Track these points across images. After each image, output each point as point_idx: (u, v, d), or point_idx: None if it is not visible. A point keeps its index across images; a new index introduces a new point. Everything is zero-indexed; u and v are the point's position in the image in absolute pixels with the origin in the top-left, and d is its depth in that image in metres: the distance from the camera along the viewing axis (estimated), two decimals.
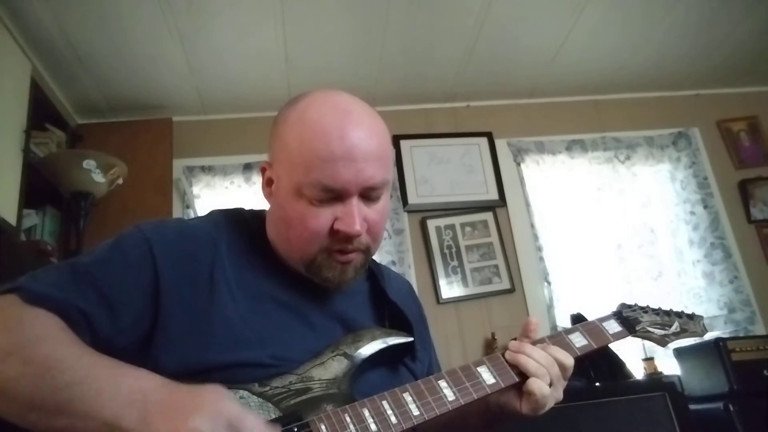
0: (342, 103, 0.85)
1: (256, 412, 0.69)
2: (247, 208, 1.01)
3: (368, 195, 0.84)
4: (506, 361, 0.88)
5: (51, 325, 0.72)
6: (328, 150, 0.80)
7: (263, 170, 0.91)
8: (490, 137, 3.21)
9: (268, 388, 0.78)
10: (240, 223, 0.94)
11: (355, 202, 0.83)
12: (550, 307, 2.83)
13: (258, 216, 0.98)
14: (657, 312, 1.06)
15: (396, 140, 2.98)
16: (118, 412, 0.65)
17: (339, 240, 0.84)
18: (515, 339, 0.92)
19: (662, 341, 1.03)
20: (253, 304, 0.84)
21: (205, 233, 0.89)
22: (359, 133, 0.82)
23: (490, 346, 2.75)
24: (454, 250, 2.96)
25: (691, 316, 1.09)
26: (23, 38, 2.32)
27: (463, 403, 0.82)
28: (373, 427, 0.75)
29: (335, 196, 0.82)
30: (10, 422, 0.68)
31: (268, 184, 0.91)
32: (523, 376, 0.86)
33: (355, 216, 0.82)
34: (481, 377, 0.86)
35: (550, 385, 0.85)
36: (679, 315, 1.08)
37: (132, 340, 0.79)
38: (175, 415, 0.64)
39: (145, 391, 0.67)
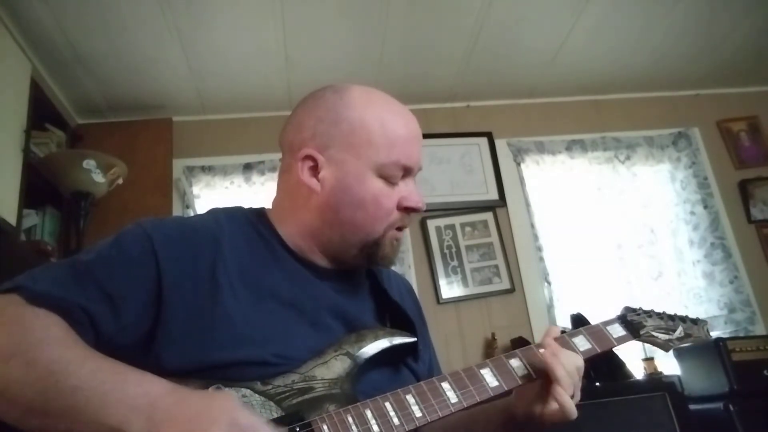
0: (389, 97, 0.96)
1: (268, 424, 0.69)
2: (245, 206, 1.00)
3: (415, 173, 0.95)
4: (538, 353, 0.87)
5: (54, 325, 0.71)
6: (407, 130, 0.92)
7: (307, 159, 0.90)
8: (490, 137, 3.21)
9: (270, 387, 0.78)
10: (241, 220, 0.94)
11: (413, 182, 0.94)
12: (550, 307, 2.83)
13: (259, 212, 0.98)
14: (661, 316, 1.05)
15: None
16: (123, 417, 0.64)
17: (403, 217, 0.93)
18: (515, 339, 0.91)
19: (666, 346, 1.02)
20: (256, 302, 0.84)
21: (207, 230, 0.88)
22: (414, 118, 0.95)
23: (490, 346, 2.74)
24: (454, 250, 2.96)
25: (695, 321, 1.09)
26: (23, 38, 2.32)
27: (465, 405, 0.82)
28: (375, 428, 0.75)
29: (403, 174, 0.92)
30: (11, 425, 0.67)
31: (312, 172, 0.91)
32: (526, 378, 0.86)
33: (418, 193, 0.94)
34: (485, 380, 0.85)
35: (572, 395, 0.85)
36: (683, 319, 1.07)
37: (134, 338, 0.78)
38: (190, 425, 0.63)
39: (152, 397, 0.66)
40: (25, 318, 0.71)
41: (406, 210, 0.92)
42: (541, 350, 0.87)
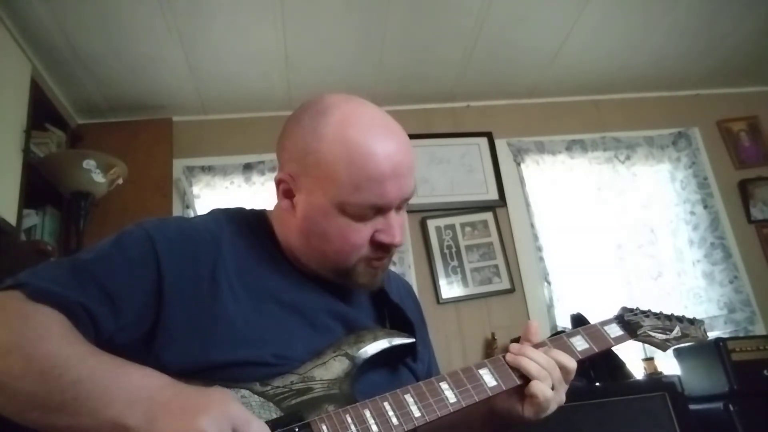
0: (376, 117, 0.86)
1: (260, 419, 0.69)
2: (247, 207, 1.01)
3: (401, 204, 0.87)
4: (507, 363, 0.88)
5: (54, 321, 0.71)
6: (378, 171, 0.81)
7: (281, 182, 0.89)
8: (490, 137, 3.21)
9: (269, 388, 0.78)
10: (242, 222, 0.94)
11: (394, 214, 0.86)
12: (550, 307, 2.83)
13: (259, 215, 0.98)
14: (658, 316, 1.05)
15: None
16: (123, 410, 0.65)
17: (379, 249, 0.87)
18: (515, 339, 0.92)
19: (663, 346, 1.03)
20: (255, 304, 0.84)
21: (208, 232, 0.88)
22: (400, 148, 0.84)
23: (490, 346, 2.75)
24: (454, 250, 2.96)
25: (693, 321, 1.10)
26: (23, 38, 2.32)
27: (464, 405, 0.82)
28: (374, 428, 0.75)
29: (378, 210, 0.84)
30: (11, 420, 0.67)
31: (286, 196, 0.89)
32: (525, 379, 0.86)
33: (397, 228, 0.86)
34: (483, 379, 0.86)
35: (552, 388, 0.86)
36: (680, 319, 1.08)
37: (134, 338, 0.79)
38: (182, 414, 0.64)
39: (151, 390, 0.67)
40: (26, 314, 0.71)
41: (380, 245, 0.86)
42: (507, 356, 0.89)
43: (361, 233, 0.85)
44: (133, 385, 0.67)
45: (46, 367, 0.66)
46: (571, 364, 0.88)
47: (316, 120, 0.85)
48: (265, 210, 1.00)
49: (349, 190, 0.82)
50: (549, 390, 0.84)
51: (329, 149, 0.82)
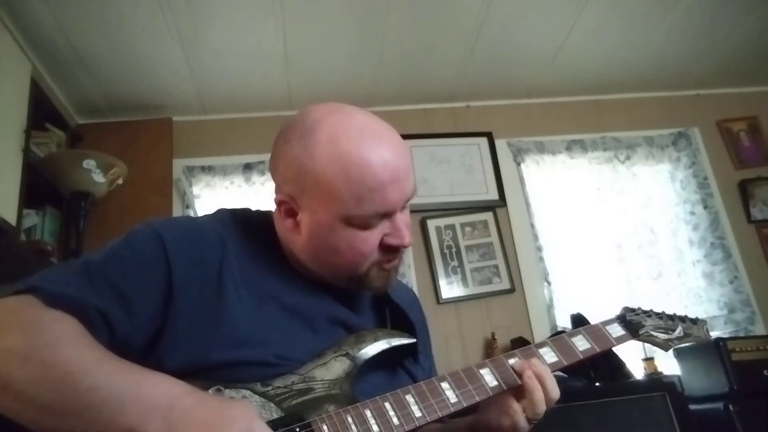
0: (364, 126, 0.84)
1: None
2: (253, 208, 1.00)
3: (404, 204, 0.88)
4: (512, 366, 0.87)
5: (70, 327, 0.71)
6: (376, 180, 0.81)
7: (282, 203, 0.88)
8: (490, 137, 3.21)
9: (270, 388, 0.78)
10: (247, 224, 0.94)
11: (399, 216, 0.87)
12: (550, 307, 2.83)
13: (265, 217, 0.98)
14: (660, 316, 1.05)
15: None
16: (141, 418, 0.65)
17: (389, 252, 0.88)
18: (515, 339, 0.91)
19: (665, 345, 1.02)
20: (258, 305, 0.84)
21: (214, 232, 0.88)
22: (395, 153, 0.84)
23: (490, 346, 2.74)
24: (454, 250, 2.96)
25: (695, 321, 1.09)
26: (23, 38, 2.32)
27: (465, 405, 0.82)
28: (375, 428, 0.76)
29: (383, 216, 0.85)
30: (27, 426, 0.67)
31: (289, 215, 0.88)
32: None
33: (404, 229, 0.87)
34: (484, 379, 0.85)
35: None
36: (683, 319, 1.08)
37: (145, 338, 0.79)
38: (205, 427, 0.65)
39: (170, 398, 0.67)
40: (41, 320, 0.71)
41: (389, 248, 0.87)
42: (533, 360, 0.87)
43: (369, 241, 0.85)
44: (150, 392, 0.67)
45: (62, 373, 0.66)
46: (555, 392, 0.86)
47: (305, 139, 0.84)
48: (271, 211, 0.99)
49: (352, 204, 0.82)
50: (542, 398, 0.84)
51: (325, 168, 0.81)
